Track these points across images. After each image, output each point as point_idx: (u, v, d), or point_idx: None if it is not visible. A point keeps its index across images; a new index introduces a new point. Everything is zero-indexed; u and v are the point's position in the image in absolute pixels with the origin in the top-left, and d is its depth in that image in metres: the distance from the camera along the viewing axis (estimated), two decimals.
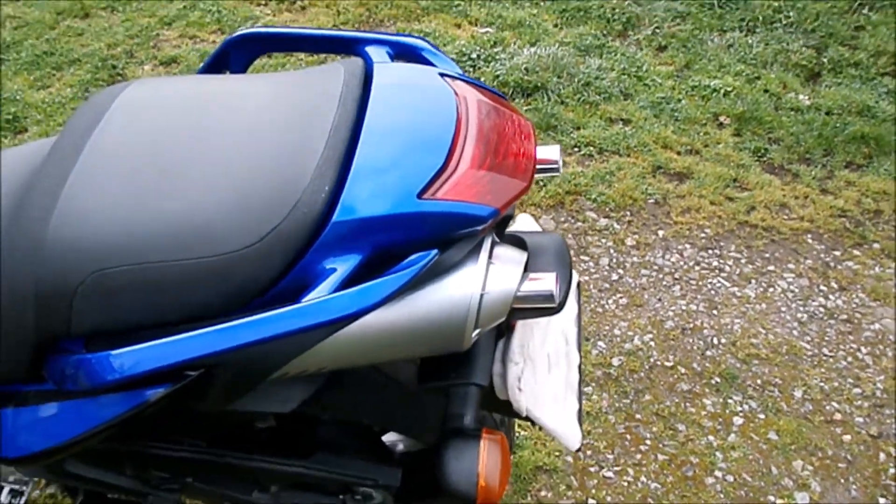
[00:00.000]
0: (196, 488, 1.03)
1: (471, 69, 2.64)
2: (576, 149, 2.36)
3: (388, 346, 0.68)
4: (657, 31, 2.85)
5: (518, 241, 0.77)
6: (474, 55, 2.67)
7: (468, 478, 0.71)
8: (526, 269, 0.73)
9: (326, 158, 0.65)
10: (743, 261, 2.03)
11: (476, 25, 2.90)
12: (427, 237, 0.64)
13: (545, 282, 0.69)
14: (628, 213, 2.16)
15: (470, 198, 0.65)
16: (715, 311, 1.89)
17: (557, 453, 1.58)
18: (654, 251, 2.05)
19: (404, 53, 0.83)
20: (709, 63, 2.71)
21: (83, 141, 0.70)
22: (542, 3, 3.02)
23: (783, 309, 1.89)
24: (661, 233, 2.11)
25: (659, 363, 1.77)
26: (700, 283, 1.97)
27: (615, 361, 1.76)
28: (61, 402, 0.71)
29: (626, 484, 1.54)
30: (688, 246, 2.07)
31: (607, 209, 2.17)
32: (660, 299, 1.92)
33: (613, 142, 2.37)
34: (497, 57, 2.67)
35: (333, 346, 0.65)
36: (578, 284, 1.05)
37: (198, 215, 0.65)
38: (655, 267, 2.01)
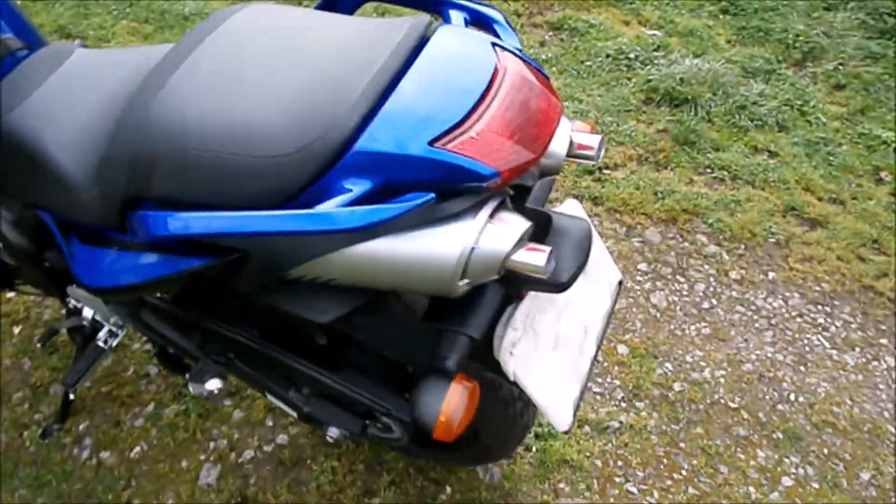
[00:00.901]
0: (239, 367, 1.18)
1: (625, 68, 2.60)
2: (708, 169, 2.27)
3: (387, 274, 0.76)
4: (840, 67, 2.63)
5: (542, 216, 0.82)
6: (632, 55, 2.63)
7: (431, 411, 0.78)
8: (538, 242, 0.78)
9: (363, 95, 0.74)
10: (853, 326, 1.88)
11: (645, 26, 2.84)
12: (429, 182, 0.71)
13: (539, 254, 0.73)
14: (742, 246, 2.06)
15: (476, 156, 0.71)
16: (802, 368, 1.78)
17: (588, 454, 1.59)
18: (758, 291, 1.95)
19: (479, 21, 0.90)
20: (888, 112, 2.47)
21: (191, 50, 0.85)
22: (720, 17, 2.89)
23: (881, 386, 1.74)
24: (771, 275, 1.99)
25: (722, 401, 1.70)
26: (796, 335, 1.85)
27: (676, 386, 1.72)
28: (135, 252, 0.87)
29: None
30: (797, 295, 1.94)
31: (721, 237, 2.08)
32: (746, 340, 1.83)
33: (751, 171, 2.25)
34: (655, 61, 2.61)
35: (340, 259, 0.75)
36: (620, 283, 1.07)
37: (251, 122, 0.77)
38: (753, 307, 1.92)
